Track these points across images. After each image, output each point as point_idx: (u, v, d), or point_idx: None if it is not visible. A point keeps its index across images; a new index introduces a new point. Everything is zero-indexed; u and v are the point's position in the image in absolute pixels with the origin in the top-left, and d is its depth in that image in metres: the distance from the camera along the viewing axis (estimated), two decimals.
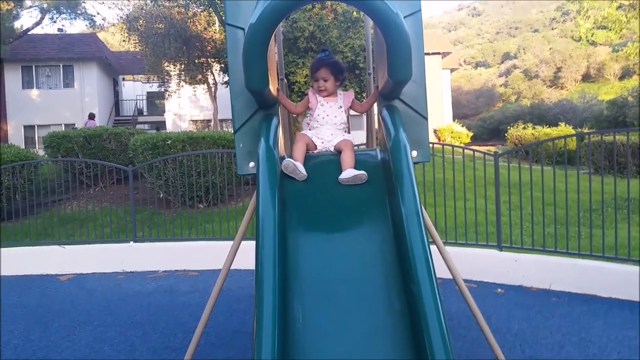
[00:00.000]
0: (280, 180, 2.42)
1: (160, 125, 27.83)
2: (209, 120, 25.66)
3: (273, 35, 2.32)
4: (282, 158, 2.72)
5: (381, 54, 2.69)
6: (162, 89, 22.51)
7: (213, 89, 21.10)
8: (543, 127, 26.27)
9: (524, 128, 26.61)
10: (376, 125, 3.34)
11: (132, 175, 7.40)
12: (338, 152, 2.79)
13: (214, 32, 18.69)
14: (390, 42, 2.27)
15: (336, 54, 13.45)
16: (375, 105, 3.13)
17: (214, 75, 20.68)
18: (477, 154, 6.32)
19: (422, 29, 2.70)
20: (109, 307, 5.30)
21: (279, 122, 2.83)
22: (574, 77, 54.21)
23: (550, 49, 59.84)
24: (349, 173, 2.55)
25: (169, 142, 9.51)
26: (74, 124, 23.21)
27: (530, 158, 7.48)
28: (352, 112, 3.23)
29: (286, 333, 1.96)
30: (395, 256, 2.21)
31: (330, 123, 2.93)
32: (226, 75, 16.29)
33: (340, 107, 2.98)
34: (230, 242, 6.53)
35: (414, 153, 2.64)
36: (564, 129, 24.13)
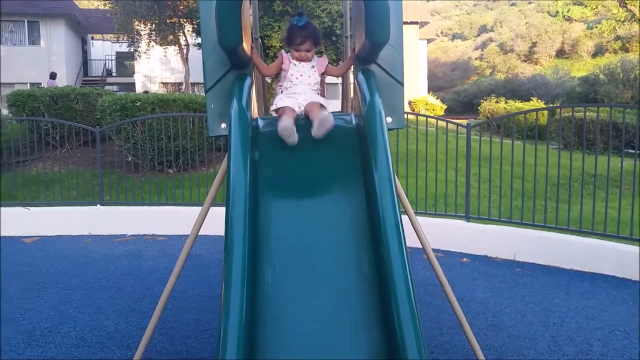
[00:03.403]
0: (252, 143, 2.37)
1: (130, 87, 27.13)
2: (180, 83, 25.05)
3: None
4: (255, 120, 2.67)
5: (359, 15, 2.62)
6: (132, 49, 21.83)
7: (185, 51, 20.57)
8: (515, 102, 26.52)
9: (497, 102, 26.82)
10: (351, 92, 3.29)
11: (99, 136, 7.21)
12: (306, 115, 2.75)
13: None
14: (368, 1, 2.21)
15: (312, 19, 13.21)
16: (351, 70, 3.09)
17: (185, 37, 20.13)
18: (450, 126, 6.33)
19: None
20: (75, 270, 5.22)
21: (253, 83, 2.76)
22: (549, 52, 54.57)
23: (526, 23, 59.97)
24: (315, 123, 2.50)
25: (138, 104, 9.27)
26: (40, 84, 22.43)
27: (502, 132, 7.52)
28: (328, 80, 3.17)
29: (255, 296, 1.96)
30: (367, 222, 2.22)
31: (304, 83, 2.89)
32: (199, 37, 15.86)
33: (313, 67, 2.93)
34: (200, 208, 6.54)
35: (389, 119, 2.61)
36: (535, 103, 24.41)
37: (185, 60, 20.80)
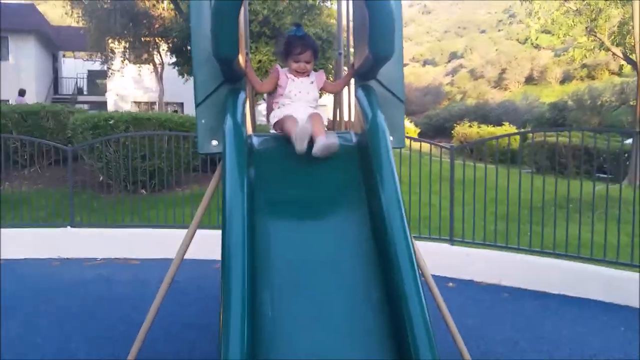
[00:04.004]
0: (248, 161, 2.22)
1: (101, 106, 26.63)
2: (154, 103, 24.73)
3: None
4: (250, 137, 2.52)
5: (361, 29, 2.52)
6: (105, 67, 21.47)
7: (159, 70, 20.32)
8: (488, 126, 27.00)
9: (470, 126, 27.28)
10: (346, 107, 3.18)
11: (71, 155, 6.93)
12: None
13: (163, 10, 17.95)
14: (373, 14, 2.11)
15: None
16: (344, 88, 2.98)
17: (160, 55, 19.91)
18: (426, 149, 6.27)
19: (401, 7, 2.54)
20: (42, 295, 4.90)
21: (247, 98, 2.62)
22: (518, 79, 56.10)
23: (496, 50, 61.63)
24: (320, 142, 2.36)
25: (111, 122, 9.01)
26: (8, 100, 21.81)
27: (474, 156, 7.55)
28: None
29: (254, 328, 1.78)
30: (373, 245, 2.08)
31: (304, 100, 2.75)
32: (174, 56, 15.66)
33: (312, 82, 2.80)
34: (175, 231, 6.29)
35: (389, 138, 2.50)
36: (508, 128, 24.90)
37: (159, 79, 20.54)
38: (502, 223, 6.35)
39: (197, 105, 2.57)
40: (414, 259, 1.89)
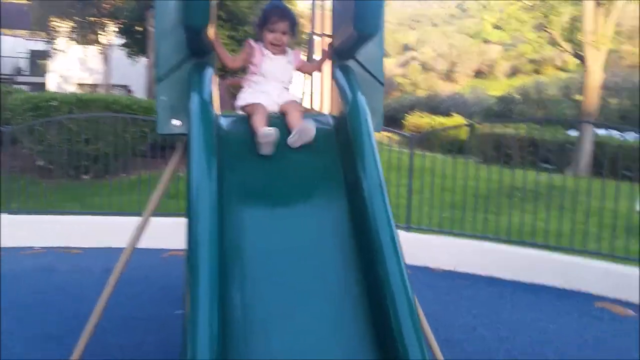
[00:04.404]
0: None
1: (43, 87, 25.33)
2: (99, 85, 23.71)
3: None
4: (217, 117, 2.31)
5: (341, 6, 2.36)
6: (48, 48, 20.37)
7: (106, 51, 19.46)
8: (438, 117, 27.42)
9: (421, 117, 27.62)
10: (321, 88, 3.02)
11: (9, 138, 6.45)
12: (282, 114, 2.43)
13: None
14: None
15: (245, 25, 12.86)
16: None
17: (108, 37, 19.04)
18: (386, 139, 6.21)
19: None
20: None
21: (214, 74, 2.40)
22: (467, 72, 57.29)
23: (448, 43, 62.67)
24: (294, 132, 2.23)
25: (54, 104, 8.49)
26: None
27: (424, 146, 7.55)
28: None
29: (224, 325, 1.60)
30: (353, 236, 1.94)
31: (278, 80, 2.56)
32: (123, 37, 15.00)
33: (289, 62, 2.61)
34: (120, 218, 5.96)
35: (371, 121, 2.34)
36: (457, 119, 25.34)
37: (106, 60, 19.68)
38: (456, 211, 6.37)
39: (157, 81, 2.33)
40: (399, 249, 1.77)
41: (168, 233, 4.93)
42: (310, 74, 3.07)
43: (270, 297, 1.79)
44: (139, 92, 18.76)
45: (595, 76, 14.41)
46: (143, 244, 3.97)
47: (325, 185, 2.18)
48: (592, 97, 14.49)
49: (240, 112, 2.55)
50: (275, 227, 2.02)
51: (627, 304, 4.33)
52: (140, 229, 2.67)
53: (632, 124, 18.94)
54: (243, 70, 2.69)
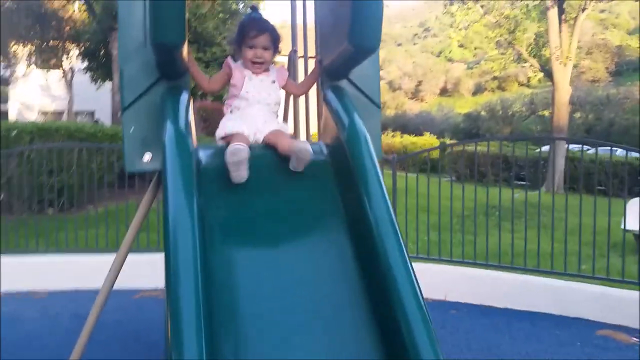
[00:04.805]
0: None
1: (2, 116, 24.44)
2: (62, 112, 23.01)
3: None
4: (196, 150, 2.03)
5: (330, 19, 2.12)
6: (7, 73, 19.69)
7: (69, 76, 18.89)
8: (409, 136, 27.57)
9: (393, 136, 27.71)
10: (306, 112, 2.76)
11: None
12: (268, 145, 2.16)
13: (74, 11, 16.69)
14: None
15: (213, 46, 12.62)
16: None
17: (70, 61, 18.52)
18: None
19: None
20: None
21: (191, 100, 2.13)
22: (433, 90, 58.23)
23: (412, 62, 63.66)
24: (292, 157, 2.01)
25: (14, 134, 8.03)
26: None
27: (396, 166, 7.35)
28: None
29: None
30: (359, 274, 1.70)
31: (263, 102, 2.28)
32: (85, 61, 14.55)
33: (274, 82, 2.34)
34: (89, 257, 5.56)
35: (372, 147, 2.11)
36: (428, 138, 25.50)
37: (69, 86, 19.11)
38: (435, 233, 6.17)
39: (123, 109, 2.04)
40: (418, 291, 1.55)
41: (139, 271, 4.59)
42: (297, 96, 2.81)
43: (268, 348, 1.57)
44: (105, 118, 18.22)
45: (563, 91, 14.64)
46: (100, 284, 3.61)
47: (323, 220, 1.96)
48: (561, 112, 14.70)
49: (220, 143, 2.28)
50: (269, 273, 1.78)
51: (628, 330, 4.16)
52: (116, 270, 2.37)
53: (597, 138, 19.35)
54: (218, 95, 2.43)
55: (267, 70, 2.34)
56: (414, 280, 1.63)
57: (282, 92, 2.44)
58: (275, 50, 2.34)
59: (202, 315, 1.39)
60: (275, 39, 2.32)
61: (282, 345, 1.57)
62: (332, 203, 1.97)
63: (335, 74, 2.25)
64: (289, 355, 1.53)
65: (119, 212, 6.14)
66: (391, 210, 1.77)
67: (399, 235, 1.71)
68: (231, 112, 2.30)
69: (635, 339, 3.97)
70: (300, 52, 3.16)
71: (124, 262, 2.44)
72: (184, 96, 2.05)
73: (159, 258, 5.25)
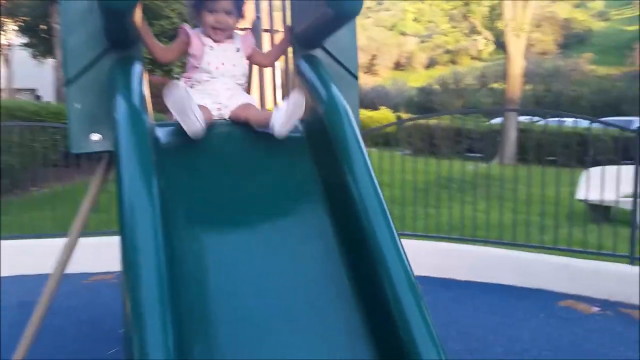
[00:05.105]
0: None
1: None
2: (1, 90, 21.78)
3: None
4: (152, 127, 1.82)
5: None
6: None
7: (6, 53, 17.80)
8: (366, 110, 27.55)
9: None
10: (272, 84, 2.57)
11: None
12: (238, 120, 1.97)
13: None
14: None
15: (161, 19, 12.06)
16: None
17: (7, 36, 17.42)
18: None
19: None
20: None
21: (144, 72, 1.90)
22: (387, 64, 58.32)
23: (367, 36, 63.47)
24: (282, 110, 1.82)
25: None
26: None
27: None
28: None
29: None
30: (345, 261, 1.63)
31: (228, 75, 2.06)
32: (25, 37, 13.70)
33: (239, 50, 2.12)
34: (33, 241, 5.25)
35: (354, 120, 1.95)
36: (385, 112, 25.56)
37: (6, 63, 18.04)
38: (397, 207, 6.13)
39: (67, 83, 1.81)
40: (411, 275, 1.51)
41: (89, 254, 4.35)
42: (264, 66, 2.61)
43: (244, 347, 1.43)
44: (47, 95, 17.33)
45: (516, 63, 14.83)
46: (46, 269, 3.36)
47: (300, 201, 1.82)
48: (514, 85, 14.91)
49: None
50: (241, 256, 1.64)
51: (589, 300, 4.22)
52: (67, 254, 2.19)
53: (547, 109, 19.82)
54: (167, 69, 2.20)
55: (230, 37, 2.12)
56: (406, 263, 1.53)
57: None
58: (239, 14, 2.12)
59: (168, 312, 1.24)
60: (238, 1, 2.10)
61: (260, 344, 1.42)
62: (310, 182, 1.82)
63: (309, 43, 2.07)
64: (268, 355, 1.39)
65: (65, 193, 5.79)
66: (378, 187, 1.64)
67: (388, 214, 1.59)
68: (192, 86, 2.08)
69: (595, 308, 4.02)
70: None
71: (75, 245, 2.27)
72: (137, 68, 1.84)
73: (108, 240, 4.98)
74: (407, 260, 1.57)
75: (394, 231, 1.60)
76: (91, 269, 4.95)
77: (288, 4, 2.43)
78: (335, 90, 1.86)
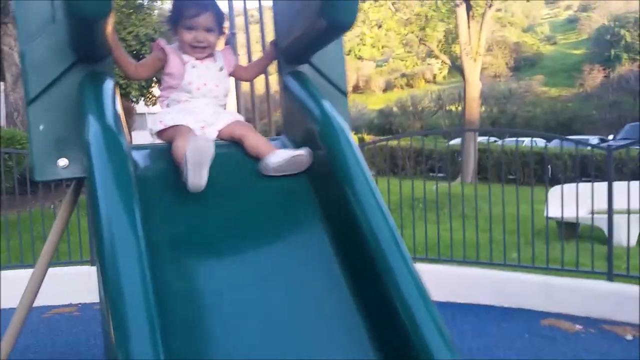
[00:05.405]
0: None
1: None
2: None
3: None
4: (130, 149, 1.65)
5: None
6: None
7: None
8: None
9: None
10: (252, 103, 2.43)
11: None
12: (228, 140, 1.82)
13: None
14: None
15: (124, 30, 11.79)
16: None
17: None
18: None
19: None
20: None
21: (117, 88, 1.75)
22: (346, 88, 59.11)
23: None
24: (282, 155, 1.71)
25: None
26: None
27: None
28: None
29: None
30: (351, 292, 1.52)
31: (210, 96, 1.93)
32: None
33: (222, 69, 1.99)
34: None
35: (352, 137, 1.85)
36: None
37: None
38: None
39: (29, 103, 1.63)
40: (427, 296, 1.44)
41: (47, 286, 4.04)
42: (246, 81, 2.51)
43: None
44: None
45: (474, 86, 15.18)
46: (13, 302, 3.08)
47: (299, 227, 1.71)
48: (472, 106, 15.23)
49: (157, 139, 1.92)
50: (237, 290, 1.50)
51: (570, 318, 4.19)
52: (35, 287, 2.01)
53: (502, 131, 20.32)
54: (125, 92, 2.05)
55: (211, 55, 1.98)
56: (425, 292, 1.39)
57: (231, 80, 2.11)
58: (220, 31, 1.99)
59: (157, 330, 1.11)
60: (219, 17, 1.97)
61: None
62: (308, 206, 1.70)
63: (297, 58, 1.97)
64: None
65: (21, 221, 5.45)
66: (385, 208, 1.52)
67: (398, 238, 1.47)
68: (168, 105, 1.93)
69: (578, 326, 3.99)
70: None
71: (43, 277, 2.09)
72: (109, 83, 1.68)
73: (69, 271, 4.66)
74: (425, 287, 1.45)
75: (406, 252, 1.48)
76: (50, 302, 4.63)
77: (269, 18, 2.33)
78: (329, 108, 1.77)
